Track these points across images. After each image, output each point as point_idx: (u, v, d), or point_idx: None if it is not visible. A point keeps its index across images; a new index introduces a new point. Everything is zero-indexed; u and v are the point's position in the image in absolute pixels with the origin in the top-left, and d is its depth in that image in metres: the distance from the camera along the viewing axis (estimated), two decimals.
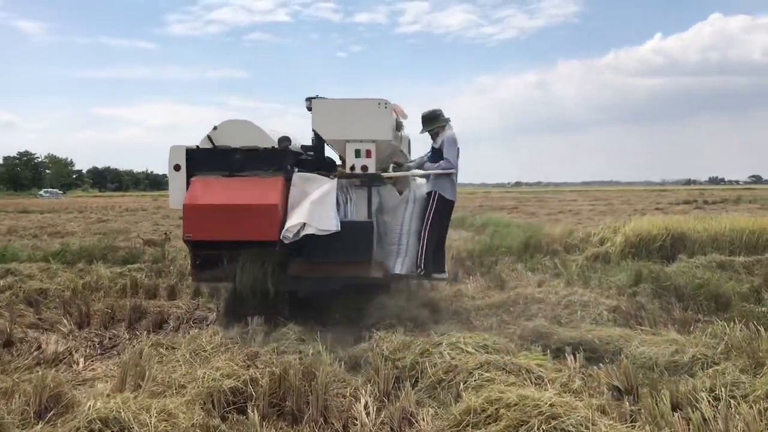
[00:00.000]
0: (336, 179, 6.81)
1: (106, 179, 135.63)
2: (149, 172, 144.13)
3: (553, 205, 37.70)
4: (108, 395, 4.17)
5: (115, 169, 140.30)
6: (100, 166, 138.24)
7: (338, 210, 6.70)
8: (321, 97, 7.08)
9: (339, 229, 6.50)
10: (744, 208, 30.15)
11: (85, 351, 6.19)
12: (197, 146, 7.09)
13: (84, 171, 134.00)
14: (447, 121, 7.19)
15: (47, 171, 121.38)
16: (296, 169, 7.09)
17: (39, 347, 6.04)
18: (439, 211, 6.99)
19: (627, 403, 4.34)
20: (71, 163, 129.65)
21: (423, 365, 4.86)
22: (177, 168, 7.07)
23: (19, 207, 40.77)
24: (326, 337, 6.17)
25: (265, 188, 6.78)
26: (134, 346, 6.11)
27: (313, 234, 6.44)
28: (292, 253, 6.76)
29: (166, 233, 16.48)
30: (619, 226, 12.38)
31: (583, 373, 5.01)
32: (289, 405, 4.36)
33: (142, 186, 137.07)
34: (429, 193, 7.05)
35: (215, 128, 7.14)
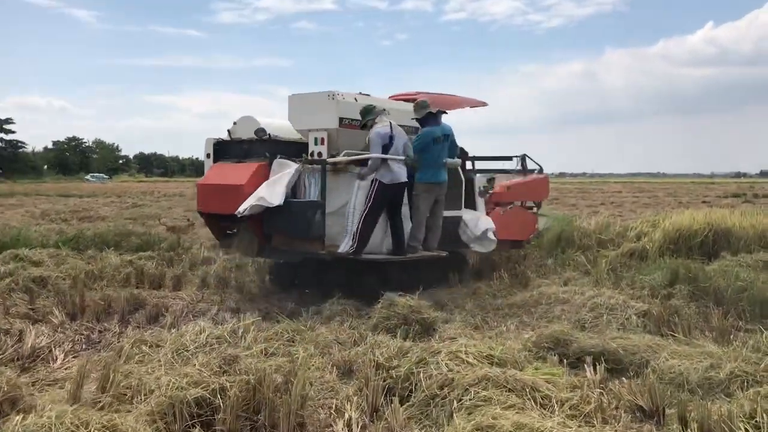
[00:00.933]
0: (299, 164, 7.64)
1: (152, 165, 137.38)
2: (194, 158, 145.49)
3: (596, 197, 36.58)
4: (53, 404, 3.73)
5: (161, 155, 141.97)
6: (146, 152, 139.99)
7: (303, 192, 7.67)
8: (364, 94, 8.16)
9: (281, 203, 7.32)
10: None
11: (70, 346, 5.80)
12: (221, 139, 8.70)
13: (131, 156, 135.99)
14: (380, 113, 7.69)
15: (94, 156, 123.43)
16: (278, 156, 7.87)
17: (20, 340, 5.68)
18: (378, 198, 7.49)
19: (649, 430, 3.75)
20: (118, 149, 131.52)
21: (418, 377, 4.31)
22: (208, 156, 8.72)
23: (61, 191, 41.28)
24: (324, 336, 5.73)
25: (242, 172, 7.93)
26: (119, 342, 5.73)
27: (268, 209, 7.35)
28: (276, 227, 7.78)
29: (189, 219, 16.15)
30: (658, 220, 11.58)
31: (602, 389, 4.42)
32: (262, 420, 3.88)
33: (187, 172, 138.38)
34: (372, 180, 7.56)
35: (234, 123, 8.70)
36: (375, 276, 7.76)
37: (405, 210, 7.97)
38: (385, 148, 7.51)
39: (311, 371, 4.77)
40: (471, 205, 9.24)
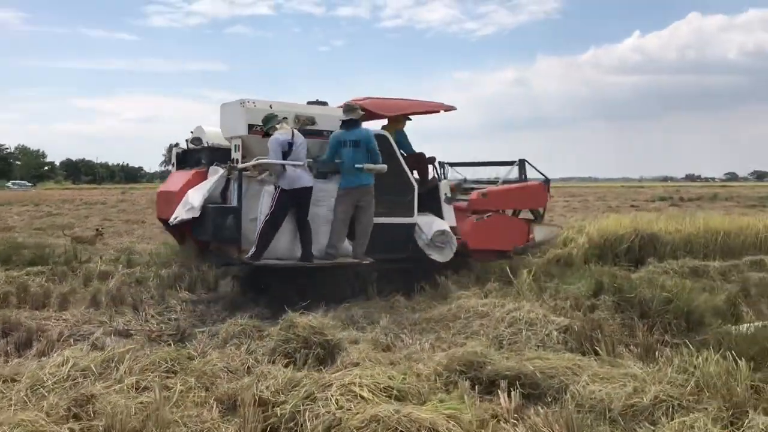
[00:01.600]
0: (224, 170, 7.65)
1: (80, 171, 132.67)
2: (125, 164, 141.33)
3: None
4: None
5: (90, 161, 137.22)
6: (74, 158, 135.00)
7: (228, 198, 7.74)
8: (321, 102, 8.51)
9: (197, 215, 7.41)
10: (720, 206, 29.40)
11: None
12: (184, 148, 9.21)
13: (57, 163, 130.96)
14: (281, 121, 7.56)
15: (17, 162, 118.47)
16: (215, 163, 8.00)
17: None
18: (278, 203, 7.38)
19: None
20: (43, 155, 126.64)
21: (304, 416, 3.72)
22: (172, 164, 9.44)
23: None
24: (213, 364, 5.08)
25: (180, 179, 8.32)
26: None
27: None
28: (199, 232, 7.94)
29: (98, 229, 15.14)
30: (584, 226, 11.33)
31: (515, 419, 3.92)
32: None
33: (117, 179, 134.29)
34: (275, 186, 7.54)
35: (191, 132, 8.97)
36: (288, 285, 7.68)
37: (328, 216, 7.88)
38: (285, 155, 7.35)
39: (187, 408, 4.13)
40: (437, 212, 8.88)
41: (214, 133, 8.52)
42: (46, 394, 4.24)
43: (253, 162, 7.43)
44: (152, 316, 7.31)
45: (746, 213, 21.73)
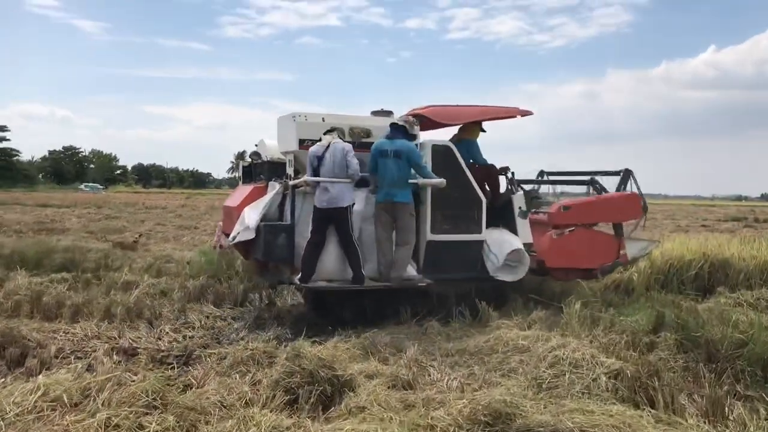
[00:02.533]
0: (280, 187, 7.30)
1: (150, 176, 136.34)
2: (194, 170, 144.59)
3: None
4: None
5: (160, 165, 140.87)
6: (145, 163, 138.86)
7: (281, 215, 7.35)
8: (386, 111, 7.98)
9: (252, 236, 7.10)
10: None
11: None
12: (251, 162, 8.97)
13: (129, 167, 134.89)
14: (329, 132, 7.19)
15: (91, 166, 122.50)
16: (273, 179, 7.76)
17: None
18: (314, 222, 7.15)
19: None
20: (115, 159, 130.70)
21: None
22: (240, 178, 9.36)
23: (44, 200, 39.98)
24: (207, 397, 4.48)
25: (240, 194, 8.19)
26: None
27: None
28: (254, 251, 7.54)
29: (140, 234, 14.91)
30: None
31: None
32: None
33: (186, 184, 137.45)
34: None
35: (256, 146, 8.73)
36: (348, 306, 7.42)
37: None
38: (315, 170, 7.04)
39: None
40: (510, 227, 8.22)
41: (274, 146, 8.23)
42: (3, 427, 3.73)
43: (303, 179, 7.19)
44: (166, 333, 6.82)
45: None
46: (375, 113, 8.01)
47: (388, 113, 7.97)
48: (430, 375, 5.45)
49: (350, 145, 7.10)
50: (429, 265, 7.57)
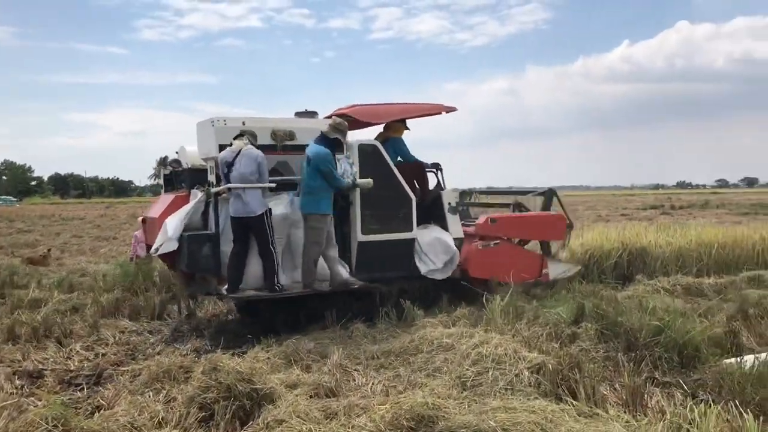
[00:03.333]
0: (202, 194, 7.07)
1: (69, 186, 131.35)
2: (115, 178, 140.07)
3: None
4: None
5: (78, 175, 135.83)
6: (63, 172, 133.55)
7: (206, 224, 7.12)
8: (310, 112, 7.81)
9: (175, 247, 6.83)
10: (712, 213, 28.80)
11: None
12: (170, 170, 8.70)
13: (45, 178, 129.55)
14: (240, 137, 6.95)
15: (3, 178, 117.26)
16: (196, 186, 7.50)
17: None
18: (233, 230, 6.99)
19: None
20: (29, 170, 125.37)
21: None
22: (161, 187, 9.06)
23: None
24: (115, 420, 4.23)
25: (161, 204, 7.93)
26: None
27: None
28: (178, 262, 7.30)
29: (49, 250, 14.23)
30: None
31: None
32: None
33: (107, 193, 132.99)
34: None
35: (176, 153, 8.40)
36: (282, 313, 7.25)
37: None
38: (226, 177, 6.81)
39: None
40: (441, 223, 8.28)
41: (195, 153, 7.89)
42: None
43: (224, 186, 6.87)
44: (76, 352, 6.46)
45: (739, 221, 21.07)
46: (299, 114, 7.84)
47: (313, 114, 7.83)
48: (354, 380, 5.33)
49: (261, 153, 6.83)
50: (361, 267, 7.48)
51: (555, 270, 8.99)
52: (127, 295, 8.51)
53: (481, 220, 8.58)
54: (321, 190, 6.95)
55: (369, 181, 7.22)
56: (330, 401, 4.63)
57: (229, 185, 6.76)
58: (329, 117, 7.92)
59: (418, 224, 7.83)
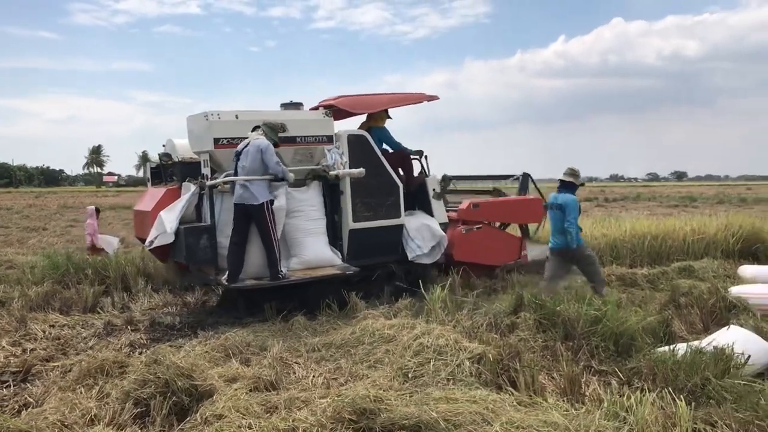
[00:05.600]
0: (195, 187, 7.22)
1: None
2: (45, 167, 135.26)
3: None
4: None
5: (5, 163, 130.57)
6: None
7: (199, 216, 7.28)
8: (296, 103, 7.86)
9: (172, 240, 6.94)
10: (644, 205, 29.71)
11: None
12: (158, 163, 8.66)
13: None
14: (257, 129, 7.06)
15: None
16: (188, 179, 7.56)
17: None
18: (234, 218, 6.99)
19: None
20: None
21: None
22: (148, 180, 8.90)
23: None
24: (45, 418, 4.06)
25: (153, 197, 7.86)
26: None
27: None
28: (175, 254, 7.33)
29: None
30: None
31: None
32: None
33: (36, 182, 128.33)
34: None
35: (163, 146, 8.51)
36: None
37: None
38: (236, 166, 6.99)
39: None
40: (427, 210, 8.61)
41: (185, 146, 7.97)
42: None
43: (220, 179, 7.02)
44: (2, 347, 6.16)
45: (670, 213, 21.81)
46: (284, 105, 7.91)
47: (298, 105, 7.91)
48: (294, 373, 5.26)
49: (268, 143, 6.87)
50: (353, 253, 7.68)
51: (533, 251, 9.43)
52: (57, 288, 8.21)
53: (464, 205, 8.84)
54: (571, 227, 7.37)
55: (361, 170, 7.46)
56: (270, 395, 4.56)
57: (227, 179, 6.93)
58: (315, 108, 8.16)
59: (404, 210, 8.11)
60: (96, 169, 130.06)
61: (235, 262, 6.91)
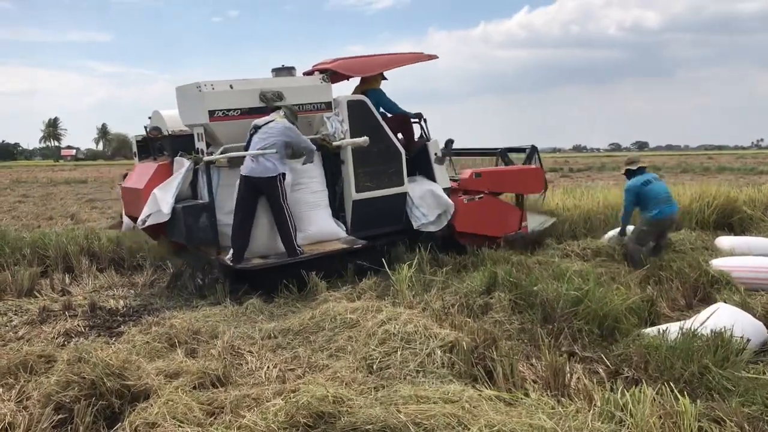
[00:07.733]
0: (189, 163, 6.86)
1: None
2: (0, 141, 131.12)
3: None
4: None
5: None
6: None
7: (198, 193, 6.98)
8: (288, 67, 7.35)
9: (167, 219, 6.65)
10: (609, 176, 29.52)
11: None
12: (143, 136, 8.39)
13: None
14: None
15: None
16: (180, 153, 7.23)
17: None
18: (238, 192, 6.66)
19: None
20: None
21: None
22: (135, 155, 8.64)
23: None
24: None
25: (144, 173, 7.54)
26: None
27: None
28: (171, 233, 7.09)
29: None
30: None
31: None
32: None
33: None
34: None
35: (149, 118, 8.19)
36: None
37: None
38: (250, 138, 6.70)
39: None
40: (429, 175, 8.24)
41: (174, 118, 7.54)
42: None
43: (218, 155, 6.67)
44: None
45: None
46: (276, 70, 7.42)
47: (291, 69, 7.42)
48: (247, 363, 4.74)
49: (292, 128, 6.64)
50: (357, 224, 7.45)
51: (533, 222, 9.22)
52: None
53: (466, 174, 8.50)
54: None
55: (365, 139, 7.18)
56: (217, 392, 4.02)
57: (226, 154, 6.64)
58: (310, 72, 7.67)
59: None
60: (53, 143, 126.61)
61: (241, 241, 6.56)
